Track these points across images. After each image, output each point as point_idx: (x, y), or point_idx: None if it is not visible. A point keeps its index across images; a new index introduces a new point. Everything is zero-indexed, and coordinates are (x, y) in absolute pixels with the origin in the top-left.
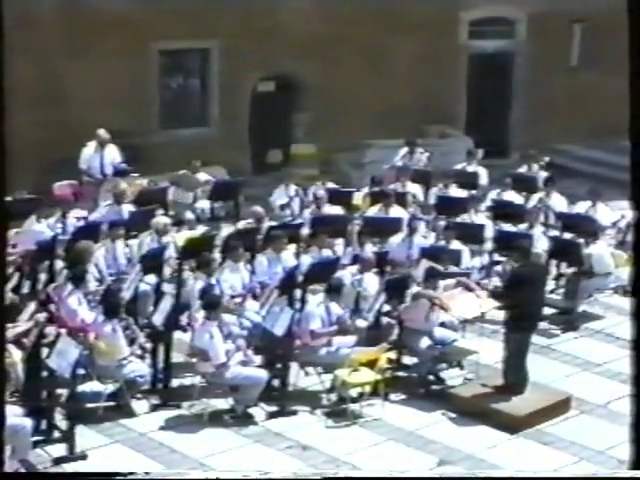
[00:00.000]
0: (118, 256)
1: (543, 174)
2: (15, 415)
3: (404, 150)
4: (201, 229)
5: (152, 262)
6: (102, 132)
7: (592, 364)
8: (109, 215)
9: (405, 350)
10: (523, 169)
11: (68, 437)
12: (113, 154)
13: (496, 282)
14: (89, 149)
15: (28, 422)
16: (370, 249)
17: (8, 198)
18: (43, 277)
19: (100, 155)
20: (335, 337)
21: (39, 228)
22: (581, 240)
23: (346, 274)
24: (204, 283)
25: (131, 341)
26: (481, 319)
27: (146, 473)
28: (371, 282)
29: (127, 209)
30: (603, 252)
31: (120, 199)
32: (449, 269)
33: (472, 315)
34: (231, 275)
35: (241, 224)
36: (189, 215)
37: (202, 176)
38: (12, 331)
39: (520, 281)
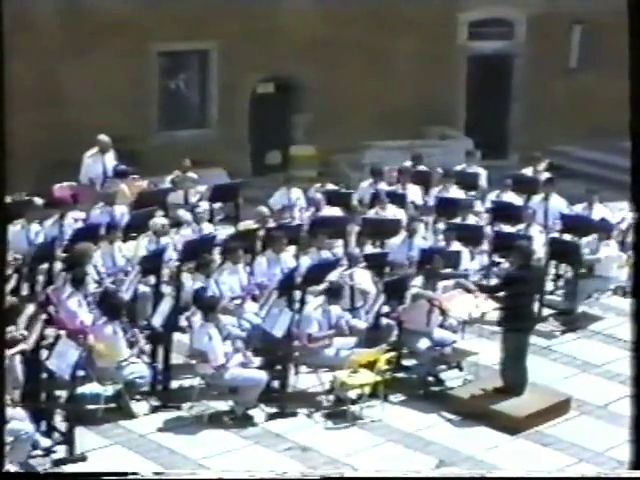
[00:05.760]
0: (116, 258)
1: (546, 175)
2: (16, 419)
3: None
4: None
5: (151, 264)
6: (103, 137)
7: (592, 365)
8: (100, 217)
9: (404, 351)
10: (527, 170)
11: (68, 439)
12: (112, 159)
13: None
14: (89, 160)
15: (30, 427)
16: (370, 250)
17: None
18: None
19: (102, 162)
20: (335, 338)
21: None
22: (590, 239)
23: (336, 273)
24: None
25: (131, 344)
26: (480, 320)
27: (133, 473)
28: (363, 276)
29: (120, 211)
30: (612, 255)
31: (111, 201)
32: (448, 270)
33: (470, 316)
34: (230, 277)
35: (241, 225)
36: (187, 216)
37: (192, 175)
38: (11, 333)
39: (515, 282)
